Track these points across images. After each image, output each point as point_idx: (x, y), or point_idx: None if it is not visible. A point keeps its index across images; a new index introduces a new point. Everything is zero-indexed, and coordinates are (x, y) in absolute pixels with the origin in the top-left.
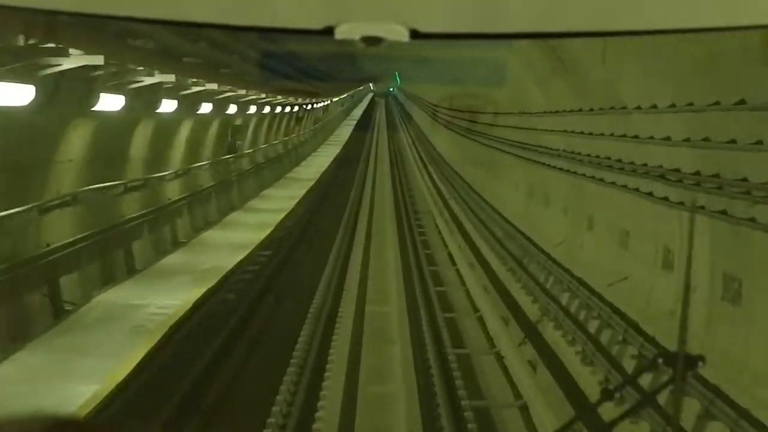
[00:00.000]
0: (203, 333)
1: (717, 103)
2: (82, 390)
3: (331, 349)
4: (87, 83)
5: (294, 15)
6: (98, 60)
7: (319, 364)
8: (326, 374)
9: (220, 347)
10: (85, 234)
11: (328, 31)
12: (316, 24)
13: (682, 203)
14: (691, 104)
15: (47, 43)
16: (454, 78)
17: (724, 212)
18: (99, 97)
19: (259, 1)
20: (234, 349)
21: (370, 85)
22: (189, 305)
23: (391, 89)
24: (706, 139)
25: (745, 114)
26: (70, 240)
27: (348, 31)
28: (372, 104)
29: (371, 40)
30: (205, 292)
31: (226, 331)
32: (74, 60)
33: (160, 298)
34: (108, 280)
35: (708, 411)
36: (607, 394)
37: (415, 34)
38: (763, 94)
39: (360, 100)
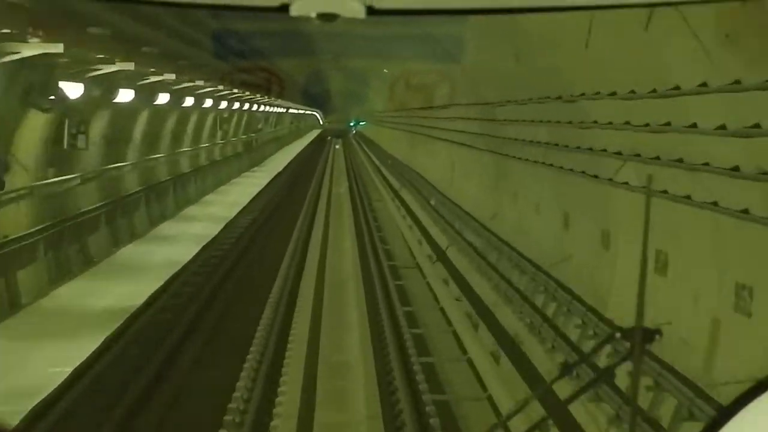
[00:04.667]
0: None
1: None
2: None
3: None
4: None
5: None
6: None
7: None
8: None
9: None
10: None
11: (284, 9)
12: (273, 1)
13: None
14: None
15: None
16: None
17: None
18: None
19: None
20: None
21: (317, 115)
22: None
23: (355, 122)
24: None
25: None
26: None
27: (303, 7)
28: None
29: (327, 17)
30: None
31: None
32: None
33: None
34: None
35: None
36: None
37: (371, 11)
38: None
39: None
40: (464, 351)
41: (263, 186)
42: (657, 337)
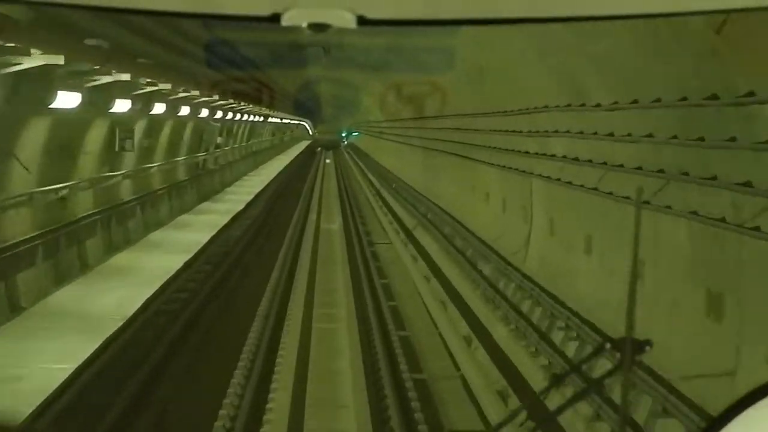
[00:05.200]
0: None
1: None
2: None
3: None
4: None
5: (240, 1)
6: None
7: None
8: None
9: None
10: None
11: (275, 18)
12: (263, 11)
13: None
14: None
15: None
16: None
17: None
18: None
19: None
20: None
21: (306, 125)
22: None
23: (347, 132)
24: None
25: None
26: None
27: (295, 17)
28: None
29: (318, 27)
30: None
31: None
32: None
33: None
34: None
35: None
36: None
37: (362, 21)
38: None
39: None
40: None
41: (203, 243)
42: (647, 348)
